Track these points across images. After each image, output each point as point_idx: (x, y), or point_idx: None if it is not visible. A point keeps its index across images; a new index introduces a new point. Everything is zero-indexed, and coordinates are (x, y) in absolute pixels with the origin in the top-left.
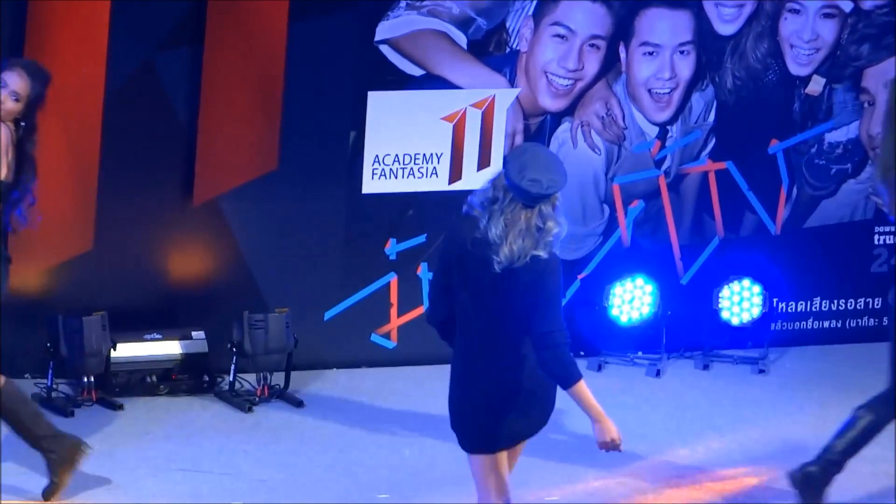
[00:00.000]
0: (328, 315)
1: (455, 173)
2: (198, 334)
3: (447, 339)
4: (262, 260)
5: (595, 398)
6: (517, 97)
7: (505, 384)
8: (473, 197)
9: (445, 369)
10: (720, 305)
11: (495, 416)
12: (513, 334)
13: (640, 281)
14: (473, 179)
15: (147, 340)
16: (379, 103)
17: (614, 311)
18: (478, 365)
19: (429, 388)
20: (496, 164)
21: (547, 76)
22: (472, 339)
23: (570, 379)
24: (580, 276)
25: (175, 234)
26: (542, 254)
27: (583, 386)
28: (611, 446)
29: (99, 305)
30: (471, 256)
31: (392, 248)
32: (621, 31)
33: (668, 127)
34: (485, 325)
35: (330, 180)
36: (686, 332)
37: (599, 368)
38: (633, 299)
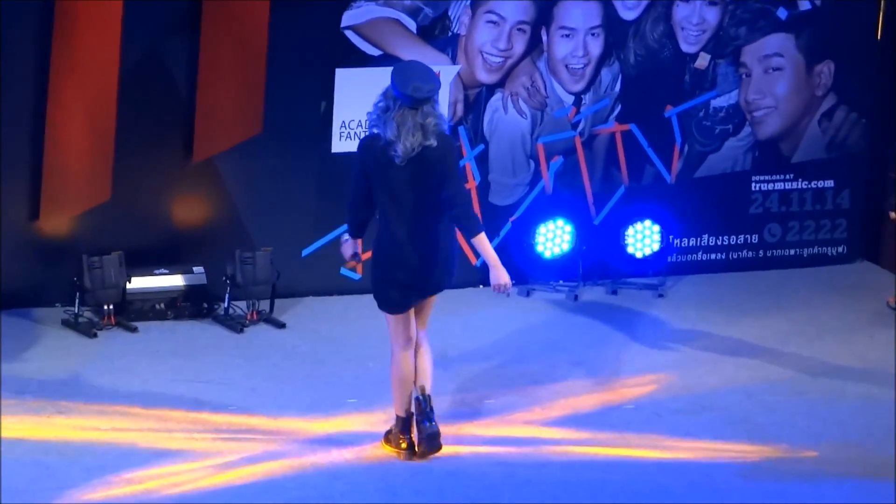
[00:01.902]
0: (305, 252)
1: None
2: (198, 269)
3: (358, 234)
4: (250, 208)
5: (492, 250)
6: (458, 73)
7: (426, 247)
8: (371, 113)
9: None
10: (626, 242)
11: (423, 274)
12: (425, 210)
13: (560, 222)
14: None
15: (156, 275)
16: (345, 78)
17: (540, 248)
18: (405, 243)
19: None
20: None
21: (482, 55)
22: (394, 225)
23: (474, 230)
24: (511, 219)
25: (178, 187)
26: (433, 142)
27: (484, 237)
28: (503, 289)
29: (117, 246)
30: (383, 159)
31: None
32: (543, 17)
33: (583, 96)
34: (403, 210)
35: (305, 142)
36: (598, 265)
37: (528, 294)
38: (555, 237)
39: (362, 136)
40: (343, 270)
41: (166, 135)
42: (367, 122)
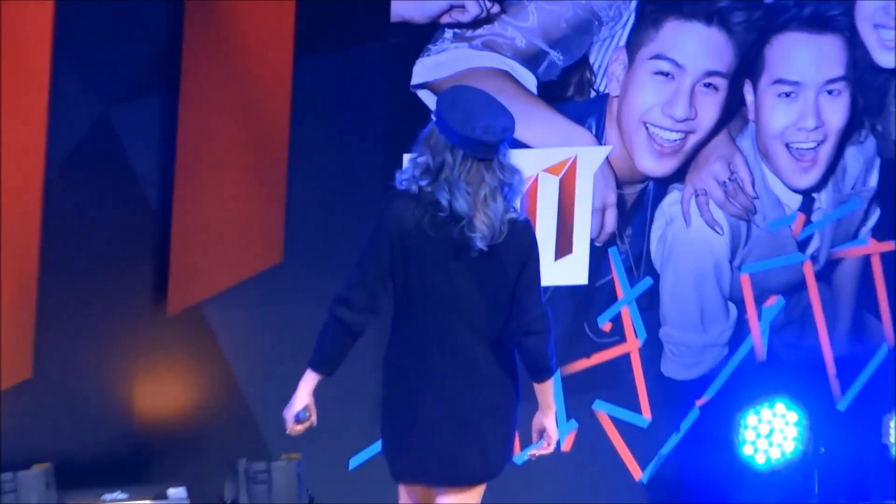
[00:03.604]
0: (354, 462)
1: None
2: (176, 492)
3: (332, 364)
4: (261, 386)
5: None
6: (607, 158)
7: (471, 397)
8: (403, 173)
9: None
10: (893, 440)
11: (450, 446)
12: (483, 332)
13: (780, 408)
14: (551, 273)
15: (108, 502)
16: None
17: (747, 450)
18: (439, 372)
19: None
20: (580, 251)
21: (647, 128)
22: (426, 348)
23: (551, 370)
24: (699, 403)
25: (143, 356)
26: (514, 215)
27: (551, 382)
28: (547, 444)
29: (42, 454)
30: (428, 240)
31: None
32: (748, 66)
33: (815, 195)
34: (449, 321)
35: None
36: (847, 477)
37: None
38: (772, 433)
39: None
40: None
41: (123, 271)
42: (398, 182)
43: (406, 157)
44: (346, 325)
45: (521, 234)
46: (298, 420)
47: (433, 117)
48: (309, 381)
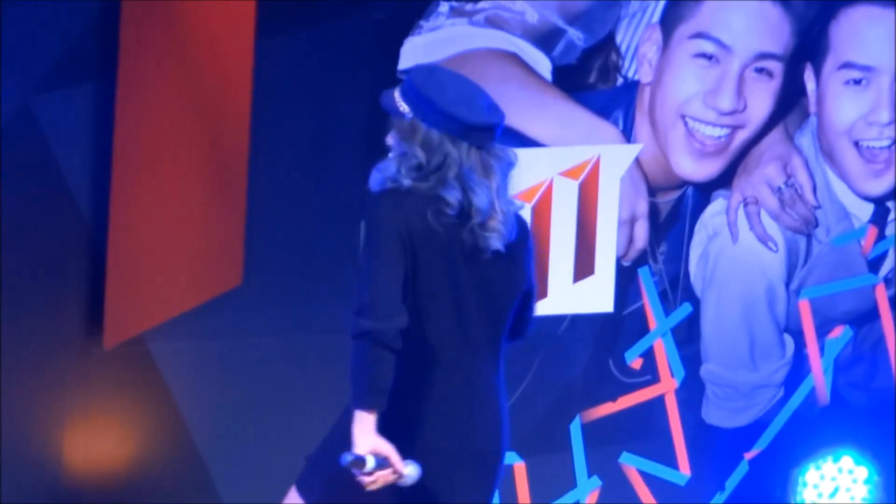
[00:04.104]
0: None
1: (538, 286)
2: None
3: (382, 396)
4: (215, 432)
5: None
6: (636, 158)
7: (497, 401)
8: (383, 171)
9: None
10: None
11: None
12: (489, 348)
13: (847, 461)
14: (568, 298)
15: None
16: None
17: None
18: (466, 385)
19: None
20: (604, 272)
21: (686, 123)
22: (442, 354)
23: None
24: (748, 456)
25: (75, 397)
26: (518, 205)
27: None
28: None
29: None
30: (437, 241)
31: None
32: (808, 47)
33: (890, 203)
34: (464, 330)
35: (334, 300)
36: None
37: None
38: (836, 492)
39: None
40: None
41: (53, 298)
42: (386, 181)
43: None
44: (378, 335)
45: (524, 228)
46: (381, 466)
47: (408, 109)
48: (365, 423)
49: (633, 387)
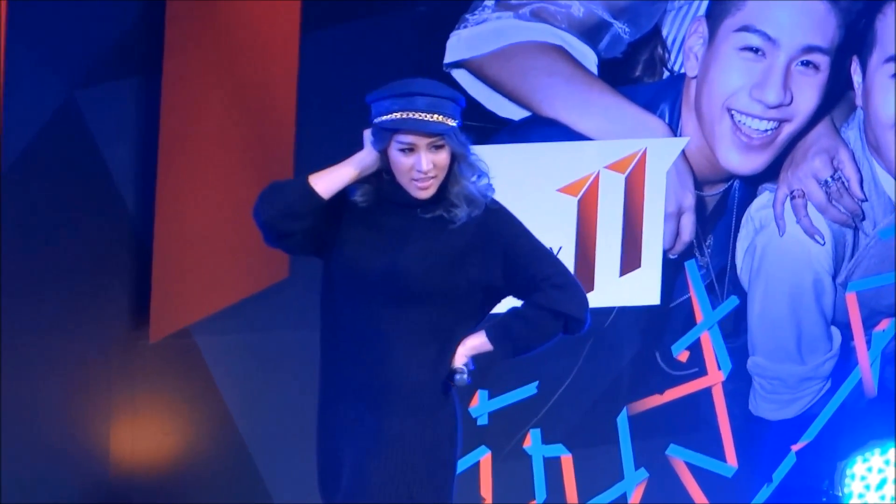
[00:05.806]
0: None
1: (585, 279)
2: None
3: None
4: (261, 425)
5: None
6: (683, 152)
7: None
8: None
9: None
10: None
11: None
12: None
13: (894, 454)
14: (615, 291)
15: None
16: None
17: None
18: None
19: None
20: (651, 265)
21: (732, 116)
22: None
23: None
24: (795, 448)
25: (121, 391)
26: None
27: None
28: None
29: None
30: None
31: (481, 404)
32: (855, 40)
33: None
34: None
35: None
36: None
37: None
38: (883, 484)
39: None
40: None
41: (98, 292)
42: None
43: None
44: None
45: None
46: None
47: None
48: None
49: (679, 379)
